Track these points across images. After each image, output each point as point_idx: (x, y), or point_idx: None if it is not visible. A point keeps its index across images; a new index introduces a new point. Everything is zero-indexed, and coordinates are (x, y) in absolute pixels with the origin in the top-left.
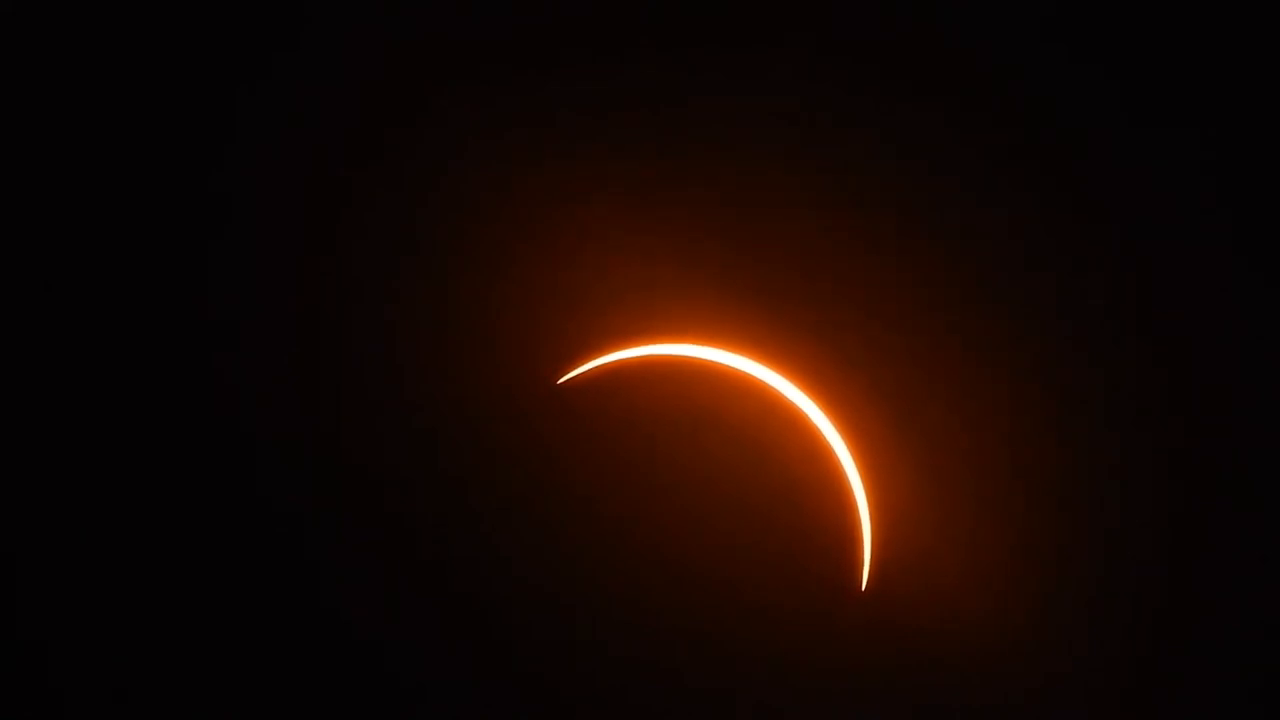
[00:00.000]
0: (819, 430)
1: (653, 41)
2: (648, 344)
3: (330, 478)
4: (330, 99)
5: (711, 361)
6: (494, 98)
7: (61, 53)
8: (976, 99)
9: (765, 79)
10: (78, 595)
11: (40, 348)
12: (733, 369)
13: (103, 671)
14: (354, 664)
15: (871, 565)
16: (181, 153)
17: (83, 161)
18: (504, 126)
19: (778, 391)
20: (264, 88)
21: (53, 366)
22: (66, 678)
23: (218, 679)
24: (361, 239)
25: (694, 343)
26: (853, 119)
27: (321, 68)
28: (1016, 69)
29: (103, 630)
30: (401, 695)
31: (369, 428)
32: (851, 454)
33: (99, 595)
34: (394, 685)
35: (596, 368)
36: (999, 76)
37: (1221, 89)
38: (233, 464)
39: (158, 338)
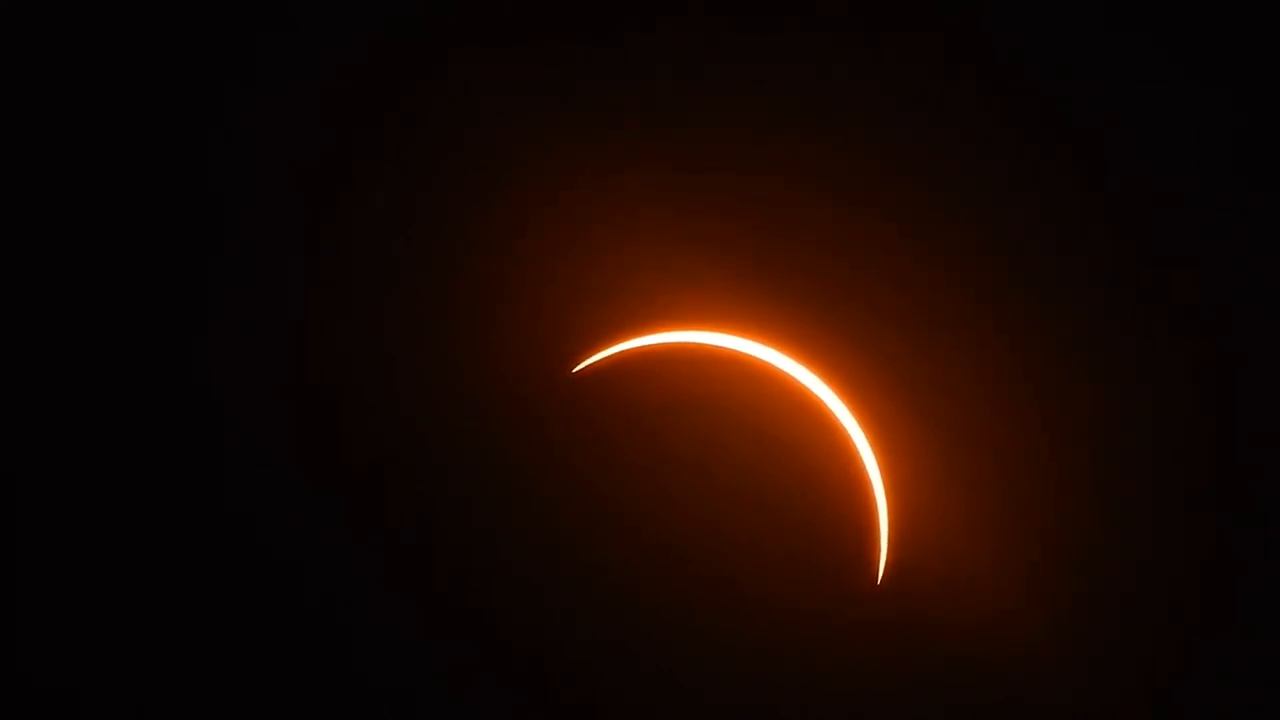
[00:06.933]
0: (837, 421)
1: (669, 23)
2: (663, 332)
3: (339, 470)
4: (335, 83)
5: (729, 350)
6: (503, 81)
7: (53, 28)
8: (1006, 86)
9: (790, 62)
10: (74, 594)
11: (35, 346)
12: (750, 357)
13: (101, 672)
14: (362, 663)
15: (888, 561)
16: (177, 138)
17: (78, 141)
18: (515, 112)
19: (796, 381)
20: (265, 71)
21: (46, 364)
22: (65, 678)
23: (224, 679)
24: (369, 226)
25: (711, 331)
26: (874, 105)
27: (327, 49)
28: (1049, 54)
29: (101, 630)
30: (409, 693)
31: (378, 419)
32: (870, 445)
33: (97, 594)
34: (402, 683)
35: (611, 356)
36: (1031, 63)
37: (1263, 77)
38: (233, 460)
39: (156, 328)
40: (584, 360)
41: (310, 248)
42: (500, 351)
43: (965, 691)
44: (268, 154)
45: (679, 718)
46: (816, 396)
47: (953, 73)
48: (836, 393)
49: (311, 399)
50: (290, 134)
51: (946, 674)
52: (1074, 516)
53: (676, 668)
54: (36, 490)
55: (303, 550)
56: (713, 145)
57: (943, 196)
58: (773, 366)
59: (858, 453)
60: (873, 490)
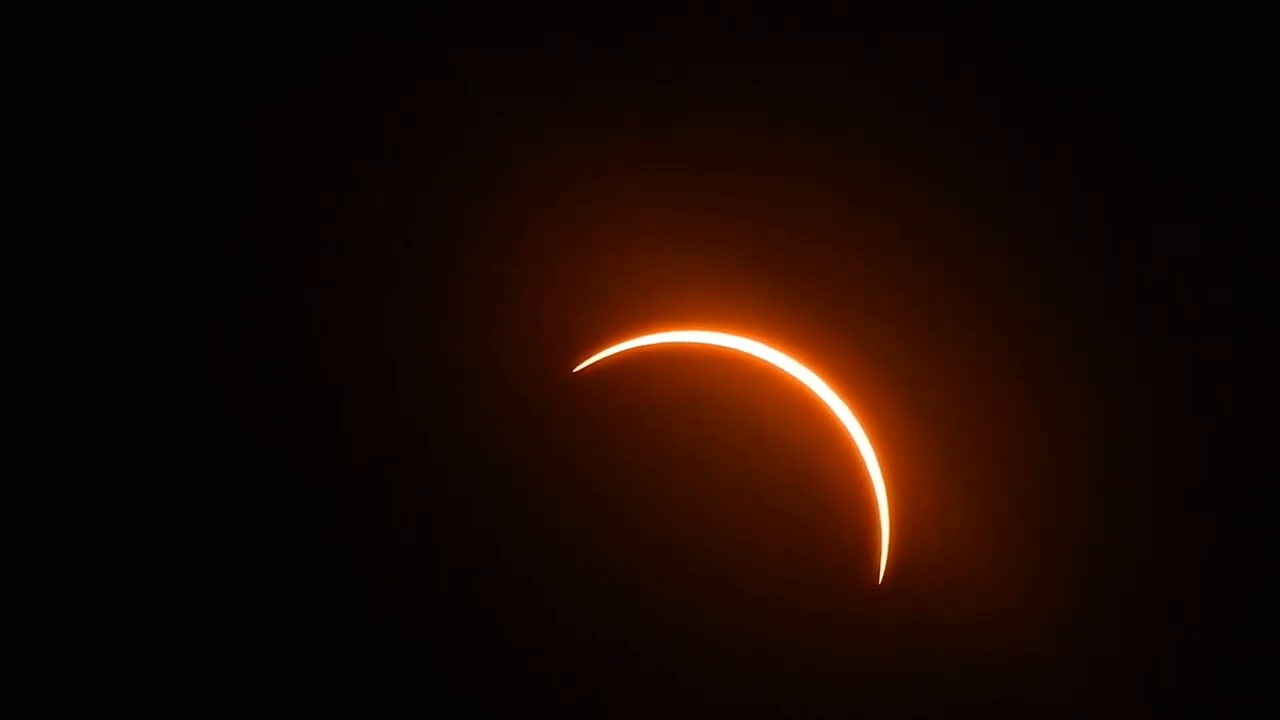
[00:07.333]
0: (838, 420)
1: (669, 23)
2: (664, 332)
3: (339, 470)
4: (335, 83)
5: (729, 349)
6: (503, 81)
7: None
8: (1006, 86)
9: (790, 62)
10: (74, 594)
11: (35, 346)
12: (750, 357)
13: (101, 672)
14: (362, 663)
15: (889, 561)
16: (177, 138)
17: (79, 141)
18: (515, 112)
19: (796, 381)
20: (265, 71)
21: (46, 364)
22: (65, 678)
23: (224, 679)
24: (369, 226)
25: (712, 330)
26: (874, 105)
27: (327, 49)
28: (1049, 54)
29: (100, 629)
30: (409, 693)
31: (378, 419)
32: (870, 444)
33: (96, 594)
34: (402, 683)
35: (611, 356)
36: (1031, 63)
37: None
38: (233, 460)
39: (157, 328)
40: (584, 360)
41: (310, 248)
42: (500, 351)
43: (965, 691)
44: (268, 154)
45: (679, 718)
46: (817, 396)
47: (953, 73)
48: (837, 392)
49: (311, 399)
50: (290, 134)
51: (946, 674)
52: (1074, 516)
53: (676, 668)
54: (36, 490)
55: (303, 550)
56: (712, 145)
57: (943, 196)
58: (773, 366)
59: (858, 452)
60: (873, 490)
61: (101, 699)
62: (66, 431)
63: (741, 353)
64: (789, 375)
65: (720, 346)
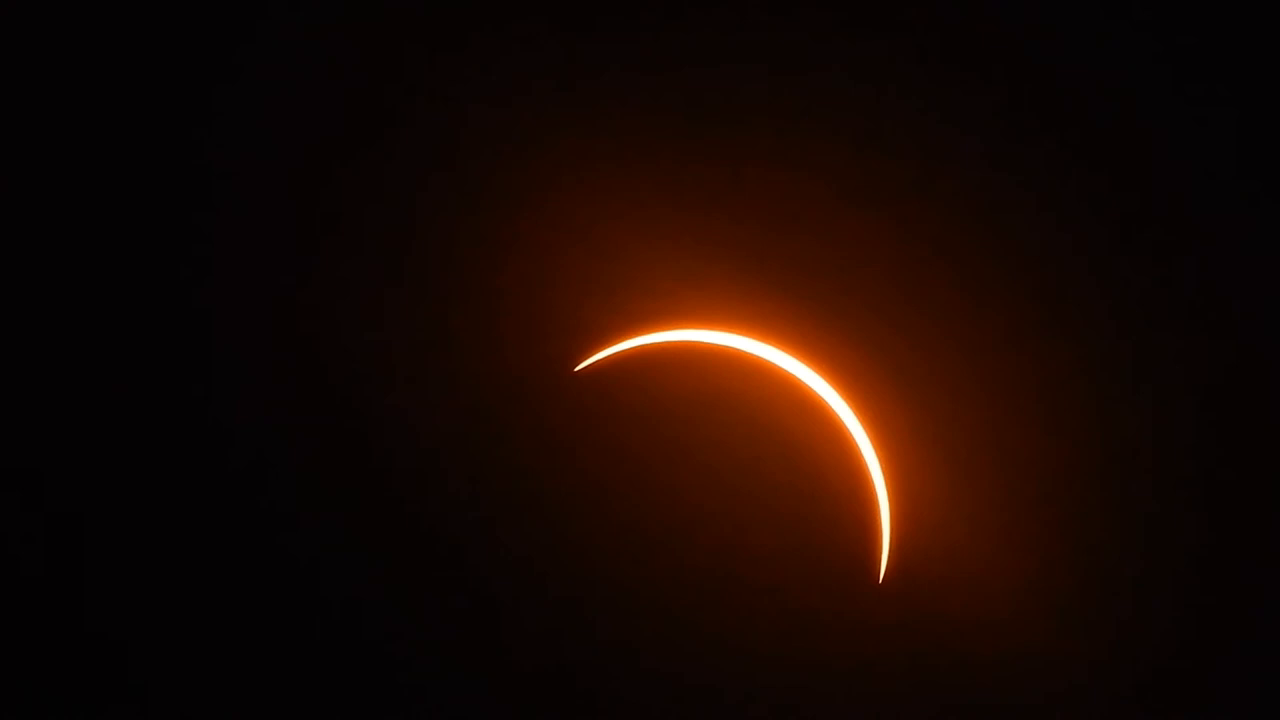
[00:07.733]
0: (839, 418)
1: (670, 22)
2: (666, 330)
3: (343, 469)
4: (333, 83)
5: (731, 348)
6: (503, 81)
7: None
8: (1007, 86)
9: (790, 62)
10: (81, 593)
11: (33, 348)
12: (753, 356)
13: (101, 671)
14: (363, 663)
15: (890, 560)
16: (176, 138)
17: (77, 142)
18: (519, 107)
19: (798, 379)
20: (263, 71)
21: (45, 366)
22: (67, 675)
23: (226, 679)
24: (369, 226)
25: (714, 329)
26: (874, 105)
27: (325, 49)
28: (1050, 54)
29: (109, 627)
30: (411, 693)
31: (379, 419)
32: (872, 442)
33: (103, 592)
34: (404, 683)
35: (614, 355)
36: (1031, 63)
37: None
38: (234, 462)
39: (156, 329)
40: (586, 359)
41: (310, 248)
42: (503, 350)
43: (965, 690)
44: (267, 153)
45: (680, 717)
46: (819, 395)
47: (953, 73)
48: (839, 391)
49: (313, 399)
50: (290, 134)
51: (947, 672)
52: (1074, 516)
53: (678, 666)
54: (36, 492)
55: (304, 551)
56: (713, 145)
57: (943, 196)
58: (776, 365)
59: (858, 452)
60: (875, 489)
61: (102, 698)
62: (65, 433)
63: (743, 352)
64: (790, 374)
65: (722, 346)
